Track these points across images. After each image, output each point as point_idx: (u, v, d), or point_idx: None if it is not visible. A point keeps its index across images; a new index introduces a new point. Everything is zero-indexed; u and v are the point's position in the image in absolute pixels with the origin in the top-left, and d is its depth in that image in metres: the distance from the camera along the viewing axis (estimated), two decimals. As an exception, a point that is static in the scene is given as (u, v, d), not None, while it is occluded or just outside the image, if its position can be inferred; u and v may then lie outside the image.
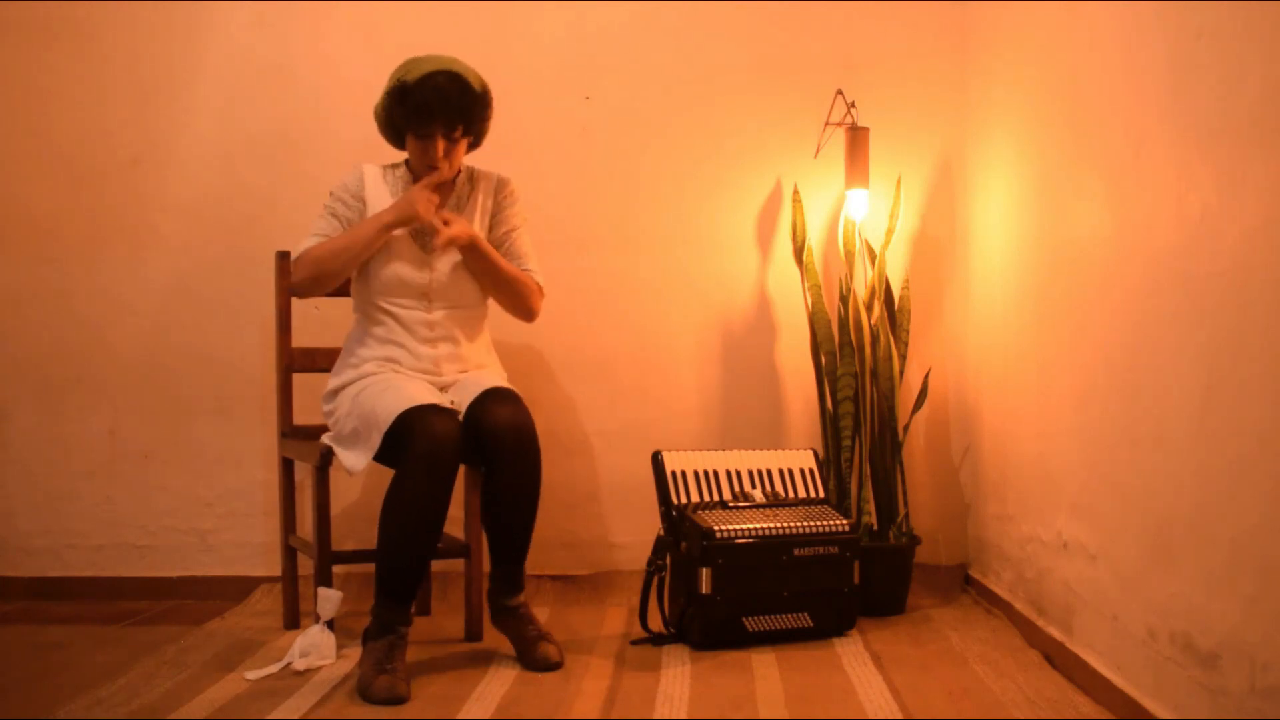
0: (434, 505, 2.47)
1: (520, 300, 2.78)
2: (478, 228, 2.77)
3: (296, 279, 2.70)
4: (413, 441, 2.45)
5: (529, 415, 2.60)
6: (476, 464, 2.70)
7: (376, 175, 2.78)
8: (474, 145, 2.80)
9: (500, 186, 2.83)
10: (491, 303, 2.83)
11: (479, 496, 2.72)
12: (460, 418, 2.57)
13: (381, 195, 2.74)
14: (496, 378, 2.75)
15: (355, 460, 2.59)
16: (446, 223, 2.65)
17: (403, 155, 2.82)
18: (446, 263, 2.72)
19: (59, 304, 3.44)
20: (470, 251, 2.69)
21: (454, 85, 2.61)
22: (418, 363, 2.70)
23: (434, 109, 2.60)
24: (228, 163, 3.42)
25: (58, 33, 3.42)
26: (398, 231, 2.69)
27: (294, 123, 3.40)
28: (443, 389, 2.69)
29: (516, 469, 2.57)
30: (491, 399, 2.60)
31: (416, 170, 2.74)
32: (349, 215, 2.72)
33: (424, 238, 2.72)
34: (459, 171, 2.80)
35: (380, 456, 2.57)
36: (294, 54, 3.41)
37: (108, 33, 3.42)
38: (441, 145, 2.65)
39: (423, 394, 2.56)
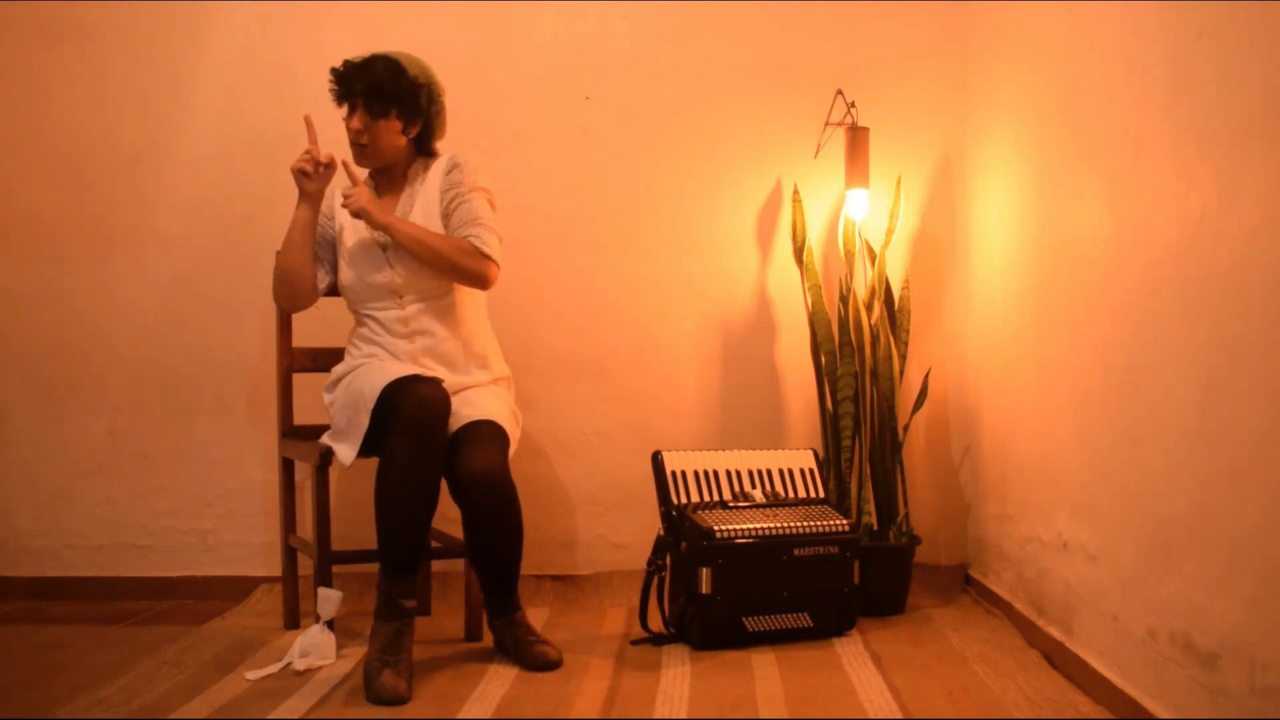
0: (426, 469, 2.47)
1: (455, 266, 2.66)
2: (429, 203, 2.76)
3: (274, 292, 2.84)
4: (399, 409, 2.47)
5: (503, 460, 2.56)
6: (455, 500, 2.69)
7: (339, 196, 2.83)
8: (422, 138, 2.80)
9: (450, 168, 2.80)
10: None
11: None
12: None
13: (343, 217, 2.80)
14: (485, 400, 2.70)
15: (347, 452, 2.60)
16: (349, 198, 2.67)
17: None
18: (405, 258, 2.71)
19: (59, 304, 3.44)
20: (375, 227, 2.68)
21: (383, 65, 2.69)
22: (397, 360, 2.71)
23: (350, 79, 2.69)
24: (228, 163, 3.42)
25: (58, 33, 3.42)
26: (348, 223, 2.78)
27: (294, 123, 3.34)
28: None
29: (494, 519, 2.55)
30: (471, 439, 2.56)
31: (353, 149, 2.76)
32: (322, 235, 2.83)
33: (385, 236, 2.73)
34: (413, 161, 2.81)
35: (376, 447, 2.57)
36: (294, 54, 3.41)
37: (108, 33, 3.42)
38: (358, 118, 2.69)
39: (405, 369, 2.59)
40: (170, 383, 3.43)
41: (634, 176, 3.41)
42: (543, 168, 3.40)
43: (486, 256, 2.67)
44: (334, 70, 2.73)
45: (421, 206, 2.77)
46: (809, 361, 3.26)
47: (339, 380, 2.75)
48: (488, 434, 2.58)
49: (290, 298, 2.80)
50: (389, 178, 2.83)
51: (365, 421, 2.53)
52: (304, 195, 2.73)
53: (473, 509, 2.54)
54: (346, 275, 2.77)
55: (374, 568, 2.61)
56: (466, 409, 2.63)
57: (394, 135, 2.73)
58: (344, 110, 2.74)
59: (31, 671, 2.61)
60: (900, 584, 3.07)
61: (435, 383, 2.56)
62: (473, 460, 2.52)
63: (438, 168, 2.81)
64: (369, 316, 2.76)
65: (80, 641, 2.86)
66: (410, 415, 2.46)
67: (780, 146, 3.38)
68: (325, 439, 2.71)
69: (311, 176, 2.71)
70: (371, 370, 2.62)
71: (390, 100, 2.69)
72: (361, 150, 2.74)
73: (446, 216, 2.75)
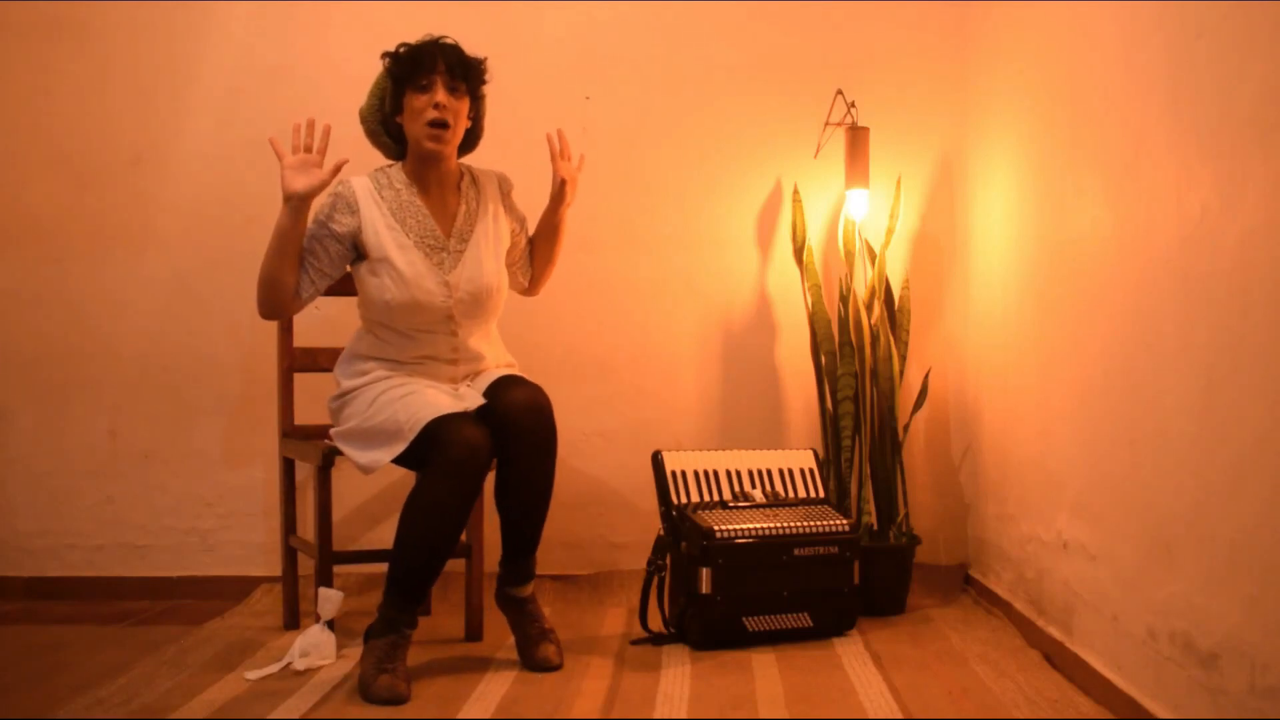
0: (459, 513, 2.43)
1: (550, 274, 2.91)
2: (492, 243, 2.68)
3: (258, 301, 2.58)
4: (443, 449, 2.39)
5: (547, 397, 2.54)
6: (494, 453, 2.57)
7: (369, 195, 2.60)
8: (472, 135, 2.71)
9: (504, 190, 2.79)
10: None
11: (483, 505, 2.68)
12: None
13: (380, 225, 2.57)
14: (510, 369, 2.73)
15: (371, 459, 2.50)
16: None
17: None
18: (465, 280, 2.60)
19: (60, 304, 3.44)
20: (562, 210, 2.79)
21: (450, 42, 2.62)
22: (436, 383, 2.60)
23: (433, 52, 2.56)
24: (228, 162, 3.42)
25: (59, 32, 3.43)
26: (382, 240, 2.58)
27: (294, 123, 3.39)
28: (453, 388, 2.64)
29: (535, 449, 2.50)
30: (509, 382, 2.56)
31: (416, 137, 2.58)
32: (315, 248, 2.56)
33: (440, 254, 2.61)
34: (462, 176, 2.73)
35: (396, 459, 2.50)
36: (295, 53, 3.41)
37: (109, 32, 3.43)
38: (445, 97, 2.55)
39: (448, 402, 2.50)
40: (170, 383, 3.43)
41: (634, 176, 3.41)
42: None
43: None
44: (400, 52, 2.58)
45: (490, 236, 2.67)
46: (809, 361, 3.26)
47: (349, 393, 2.61)
48: (528, 380, 2.59)
49: (273, 309, 2.57)
50: (440, 182, 2.66)
51: (401, 448, 2.44)
52: (292, 199, 2.46)
53: (517, 439, 2.48)
54: (395, 294, 2.54)
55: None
56: (491, 374, 2.65)
57: (464, 116, 2.62)
58: (407, 94, 2.57)
59: (31, 671, 2.61)
60: (900, 584, 3.07)
61: (479, 424, 2.46)
62: (518, 393, 2.51)
63: (485, 180, 2.74)
64: (409, 339, 2.60)
65: (80, 641, 2.86)
66: (456, 457, 2.39)
67: (780, 146, 3.39)
68: (342, 442, 2.60)
69: (303, 170, 2.48)
70: (406, 396, 2.50)
71: (472, 77, 2.61)
72: (440, 133, 2.55)
73: (514, 232, 2.78)
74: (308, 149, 2.52)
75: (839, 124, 3.31)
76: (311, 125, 2.53)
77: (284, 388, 3.01)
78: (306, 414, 3.03)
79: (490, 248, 2.67)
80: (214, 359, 3.42)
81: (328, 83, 3.38)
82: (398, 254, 2.56)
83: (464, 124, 2.63)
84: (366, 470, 2.54)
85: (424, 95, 2.56)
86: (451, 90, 2.58)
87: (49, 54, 3.43)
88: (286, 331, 3.00)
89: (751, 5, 3.39)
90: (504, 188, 2.79)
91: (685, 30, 3.40)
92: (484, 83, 2.69)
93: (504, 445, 2.51)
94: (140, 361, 3.43)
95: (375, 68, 2.76)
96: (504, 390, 2.54)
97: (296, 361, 3.02)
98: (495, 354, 2.75)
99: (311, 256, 2.56)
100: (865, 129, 3.24)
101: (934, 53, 3.37)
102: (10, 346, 3.45)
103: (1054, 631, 2.53)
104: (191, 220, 3.43)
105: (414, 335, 2.60)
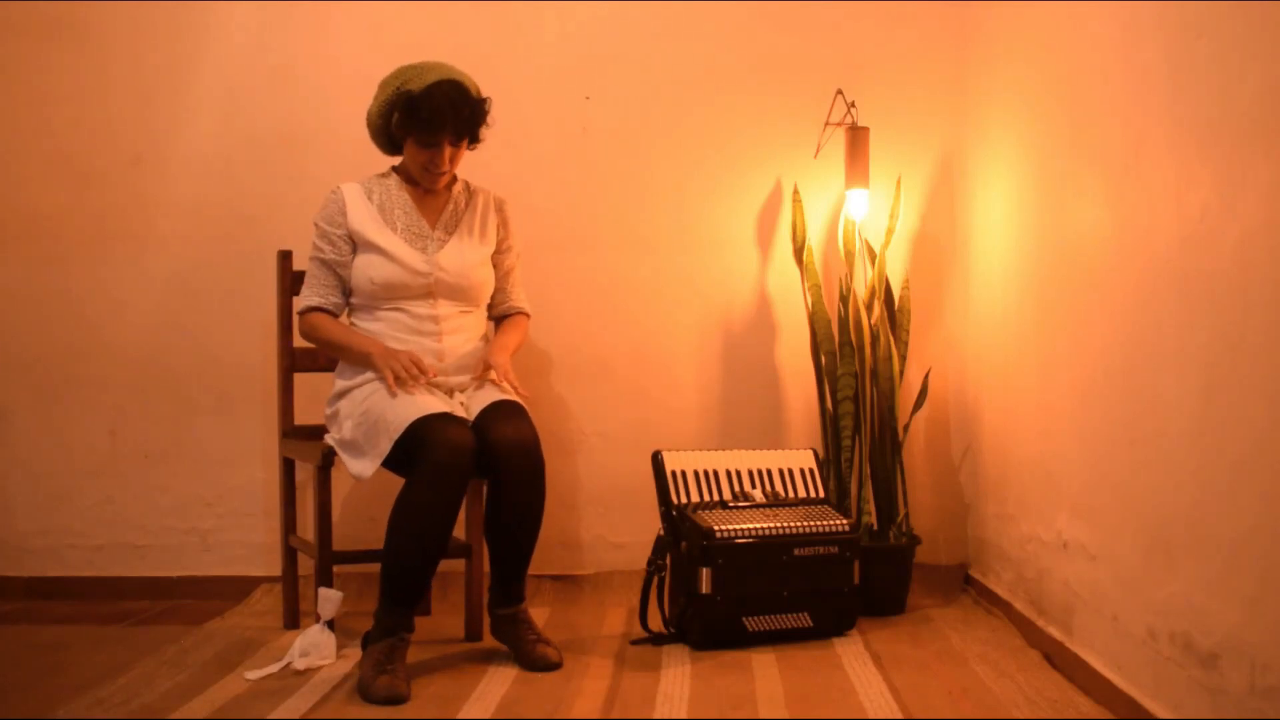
0: (445, 515, 2.45)
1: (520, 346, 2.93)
2: (477, 240, 2.78)
3: (302, 336, 2.81)
4: (427, 450, 2.43)
5: (535, 432, 2.59)
6: (482, 474, 2.64)
7: (357, 195, 2.73)
8: (471, 147, 2.79)
9: (499, 206, 2.85)
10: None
11: (481, 507, 2.70)
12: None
13: (365, 217, 2.70)
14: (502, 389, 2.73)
15: (363, 467, 2.57)
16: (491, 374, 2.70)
17: (390, 161, 2.84)
18: (450, 262, 2.71)
19: (60, 303, 3.44)
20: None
21: (459, 94, 2.62)
22: (422, 358, 2.65)
23: (445, 118, 2.60)
24: (229, 162, 3.42)
25: (59, 33, 3.42)
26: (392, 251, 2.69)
27: (295, 122, 3.39)
28: (449, 392, 2.68)
29: (522, 488, 2.56)
30: (499, 413, 2.58)
31: (414, 177, 2.74)
32: (337, 258, 2.72)
33: (423, 241, 2.72)
34: (455, 180, 2.82)
35: (386, 462, 2.55)
36: (296, 53, 3.41)
37: (109, 32, 3.42)
38: (448, 153, 2.66)
39: (435, 402, 2.54)
40: (170, 383, 3.43)
41: (634, 176, 3.41)
42: (543, 167, 3.40)
43: (528, 315, 2.93)
44: (412, 100, 2.59)
45: (475, 233, 2.77)
46: (809, 361, 3.26)
47: (343, 394, 2.69)
48: (516, 410, 2.61)
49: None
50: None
51: (386, 448, 2.50)
52: (369, 359, 2.62)
53: (507, 474, 2.53)
54: (378, 270, 2.67)
55: (374, 568, 2.61)
56: (486, 393, 2.66)
57: (463, 155, 2.74)
58: (413, 139, 2.66)
59: (31, 671, 2.61)
60: (900, 584, 3.07)
61: (463, 425, 2.52)
62: (507, 429, 2.53)
63: (481, 197, 2.82)
64: (392, 311, 2.69)
65: (80, 641, 2.86)
66: (439, 459, 2.42)
67: (780, 146, 3.38)
68: (338, 448, 2.66)
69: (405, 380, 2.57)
70: (395, 397, 2.55)
71: (472, 133, 2.69)
72: (440, 176, 2.71)
73: (495, 260, 2.83)
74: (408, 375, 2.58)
75: (839, 124, 3.31)
76: (425, 374, 2.59)
77: (284, 388, 3.01)
78: (306, 414, 3.03)
79: (474, 241, 2.77)
80: (214, 359, 3.41)
81: (328, 82, 3.38)
82: (383, 241, 2.69)
83: (460, 161, 2.74)
84: (358, 478, 2.59)
85: (427, 151, 2.67)
86: (456, 145, 2.68)
87: (49, 54, 3.43)
88: (286, 331, 3.00)
89: (751, 5, 3.39)
90: (500, 207, 2.86)
91: (685, 30, 3.40)
92: (484, 121, 2.71)
93: (493, 480, 2.58)
94: (140, 361, 3.43)
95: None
96: (495, 422, 2.56)
97: (296, 361, 3.02)
98: (480, 346, 2.77)
99: (338, 267, 2.72)
100: (865, 129, 3.24)
101: (934, 53, 3.37)
102: (10, 346, 3.45)
103: (1054, 631, 2.53)
104: (191, 220, 3.43)
105: (400, 307, 2.68)
